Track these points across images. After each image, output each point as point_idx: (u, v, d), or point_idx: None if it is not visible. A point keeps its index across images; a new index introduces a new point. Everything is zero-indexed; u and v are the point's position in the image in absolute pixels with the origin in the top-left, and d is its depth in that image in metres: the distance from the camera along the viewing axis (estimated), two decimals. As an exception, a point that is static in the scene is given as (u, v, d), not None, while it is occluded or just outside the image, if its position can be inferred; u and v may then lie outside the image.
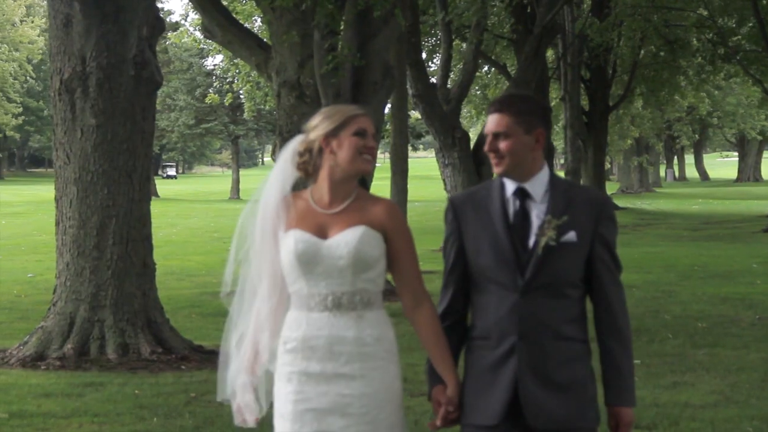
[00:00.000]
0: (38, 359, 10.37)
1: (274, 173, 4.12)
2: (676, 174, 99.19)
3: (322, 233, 3.99)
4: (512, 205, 3.97)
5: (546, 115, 4.06)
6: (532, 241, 3.91)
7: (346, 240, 3.95)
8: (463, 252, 4.03)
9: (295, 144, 4.12)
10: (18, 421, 8.10)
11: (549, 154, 29.15)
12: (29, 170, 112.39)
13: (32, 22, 75.62)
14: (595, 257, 3.95)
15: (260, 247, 4.07)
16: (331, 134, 4.02)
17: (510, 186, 3.99)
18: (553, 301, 3.90)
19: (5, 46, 73.00)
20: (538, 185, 3.97)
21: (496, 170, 4.00)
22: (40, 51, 74.18)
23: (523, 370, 3.86)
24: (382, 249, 4.01)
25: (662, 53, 37.46)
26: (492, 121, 3.98)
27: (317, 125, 4.07)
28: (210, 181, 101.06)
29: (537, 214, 3.94)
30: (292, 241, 3.98)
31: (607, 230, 3.97)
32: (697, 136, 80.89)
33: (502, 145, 3.95)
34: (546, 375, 3.86)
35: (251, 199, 4.16)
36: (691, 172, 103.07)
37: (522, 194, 3.97)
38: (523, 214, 3.95)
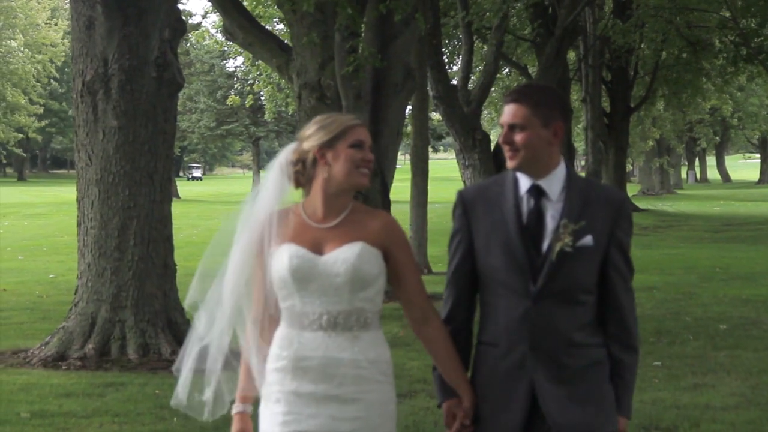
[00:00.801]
0: (59, 359, 10.43)
1: (268, 183, 3.87)
2: (698, 176, 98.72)
3: (317, 249, 3.76)
4: (526, 204, 3.72)
5: (565, 107, 3.79)
6: (546, 245, 3.68)
7: (343, 257, 3.73)
8: (471, 250, 3.80)
9: (287, 153, 3.87)
10: (39, 420, 8.14)
11: (570, 155, 29.08)
12: (51, 171, 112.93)
13: (56, 24, 75.93)
14: (609, 262, 3.73)
15: (241, 260, 3.84)
16: (327, 145, 3.78)
17: (524, 182, 3.74)
18: (566, 308, 3.69)
19: (27, 49, 73.32)
20: (554, 183, 3.72)
21: (510, 164, 3.72)
22: (63, 53, 74.49)
23: (541, 382, 3.70)
24: (382, 266, 3.79)
25: (684, 55, 37.31)
26: (508, 112, 3.71)
27: (311, 135, 3.82)
28: (231, 183, 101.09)
29: (552, 214, 3.69)
30: (287, 256, 3.74)
31: (624, 233, 3.75)
32: (718, 138, 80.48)
33: (518, 137, 3.69)
34: (564, 384, 3.70)
35: (240, 209, 3.89)
36: (713, 173, 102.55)
37: (537, 192, 3.72)
38: (538, 215, 3.70)
